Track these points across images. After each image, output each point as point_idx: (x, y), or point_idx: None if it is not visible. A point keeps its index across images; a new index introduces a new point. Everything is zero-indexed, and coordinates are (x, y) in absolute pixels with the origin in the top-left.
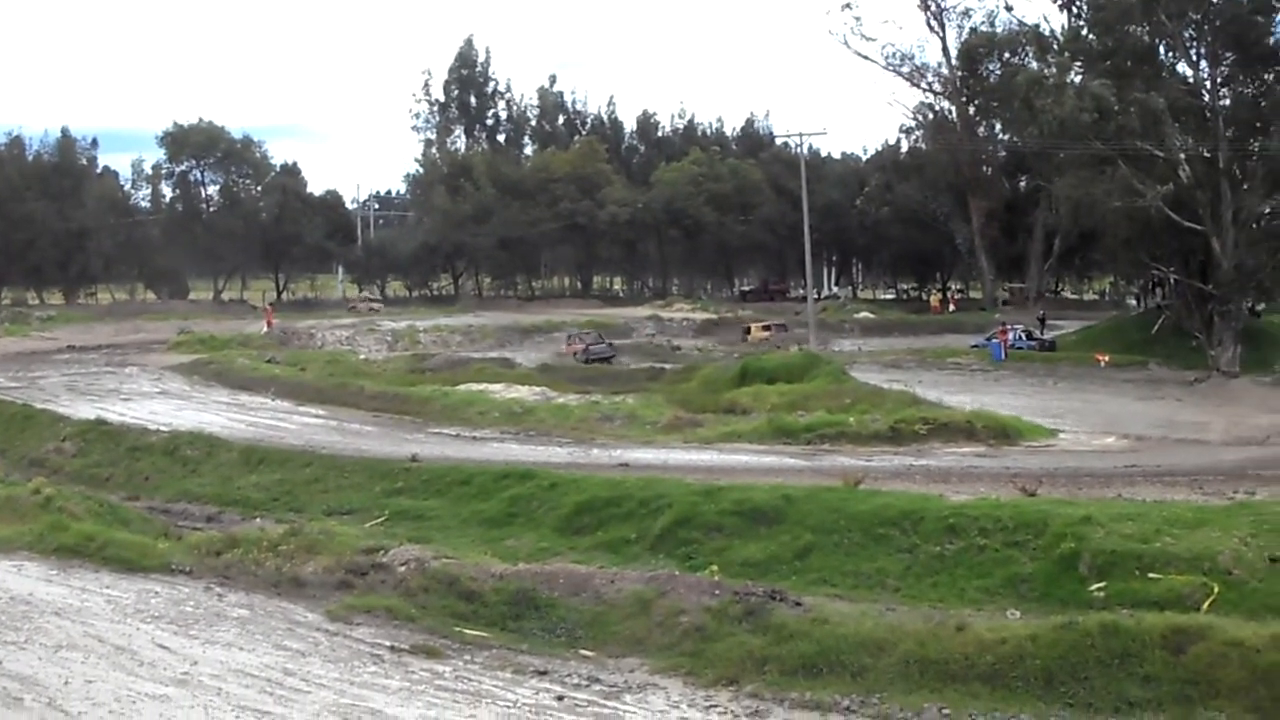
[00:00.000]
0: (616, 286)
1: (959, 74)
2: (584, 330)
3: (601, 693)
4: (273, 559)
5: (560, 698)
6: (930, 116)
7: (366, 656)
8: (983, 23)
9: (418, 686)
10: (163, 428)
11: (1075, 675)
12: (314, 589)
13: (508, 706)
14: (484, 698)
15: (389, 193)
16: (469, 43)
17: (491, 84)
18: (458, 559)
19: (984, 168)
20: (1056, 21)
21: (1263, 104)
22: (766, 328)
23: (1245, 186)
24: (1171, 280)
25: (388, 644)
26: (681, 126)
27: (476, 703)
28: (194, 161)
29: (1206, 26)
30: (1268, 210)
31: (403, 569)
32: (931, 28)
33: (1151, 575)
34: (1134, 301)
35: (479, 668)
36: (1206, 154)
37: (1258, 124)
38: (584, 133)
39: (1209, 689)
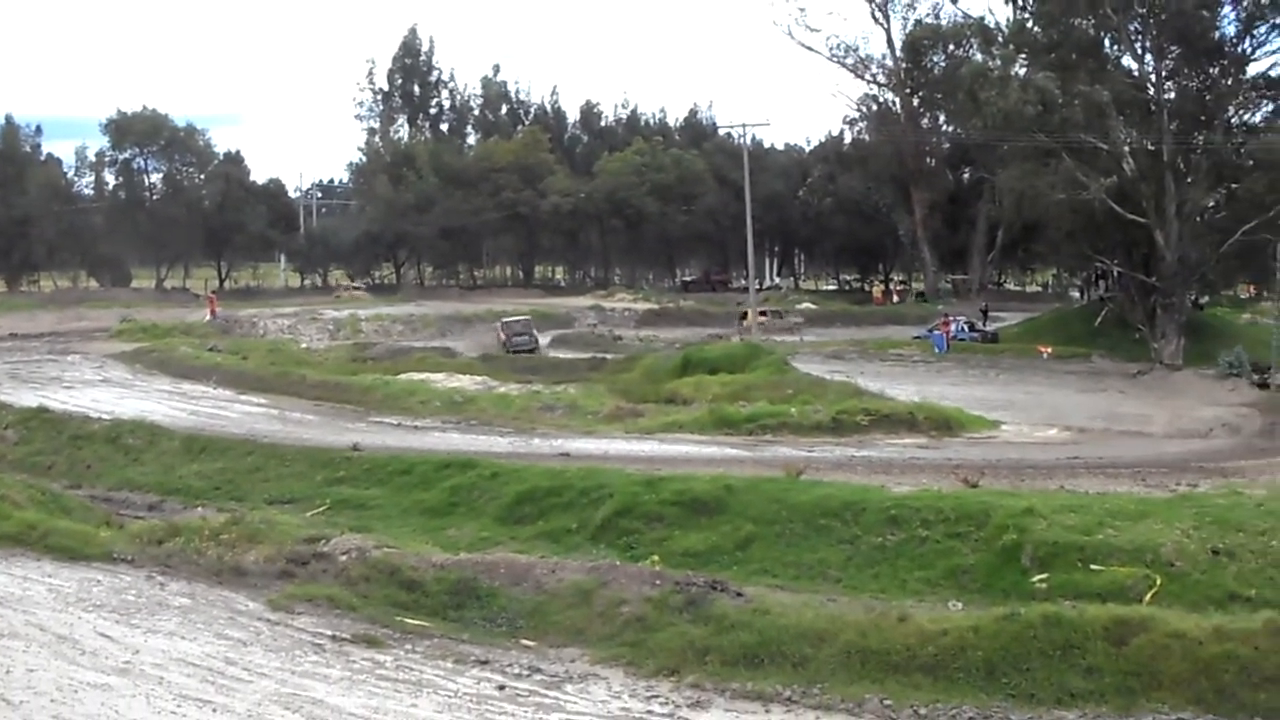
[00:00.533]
0: (558, 276)
1: (903, 66)
2: (516, 318)
3: (543, 682)
4: (214, 548)
5: (501, 687)
6: (874, 108)
7: (308, 646)
8: (927, 15)
9: (359, 676)
10: (105, 416)
11: (1017, 666)
12: (255, 578)
13: (449, 696)
14: (425, 687)
15: (332, 182)
16: (413, 32)
17: (435, 73)
18: (399, 548)
19: (927, 159)
20: (1001, 14)
21: (1207, 97)
22: (763, 314)
23: (1189, 180)
24: (1115, 273)
25: (329, 633)
26: (625, 116)
27: (418, 692)
28: (137, 149)
29: (1151, 20)
30: (1211, 203)
31: (344, 558)
32: (876, 19)
33: (1094, 567)
34: (1077, 294)
35: (420, 657)
36: (1151, 147)
37: (1202, 117)
38: (527, 122)
39: (1151, 680)
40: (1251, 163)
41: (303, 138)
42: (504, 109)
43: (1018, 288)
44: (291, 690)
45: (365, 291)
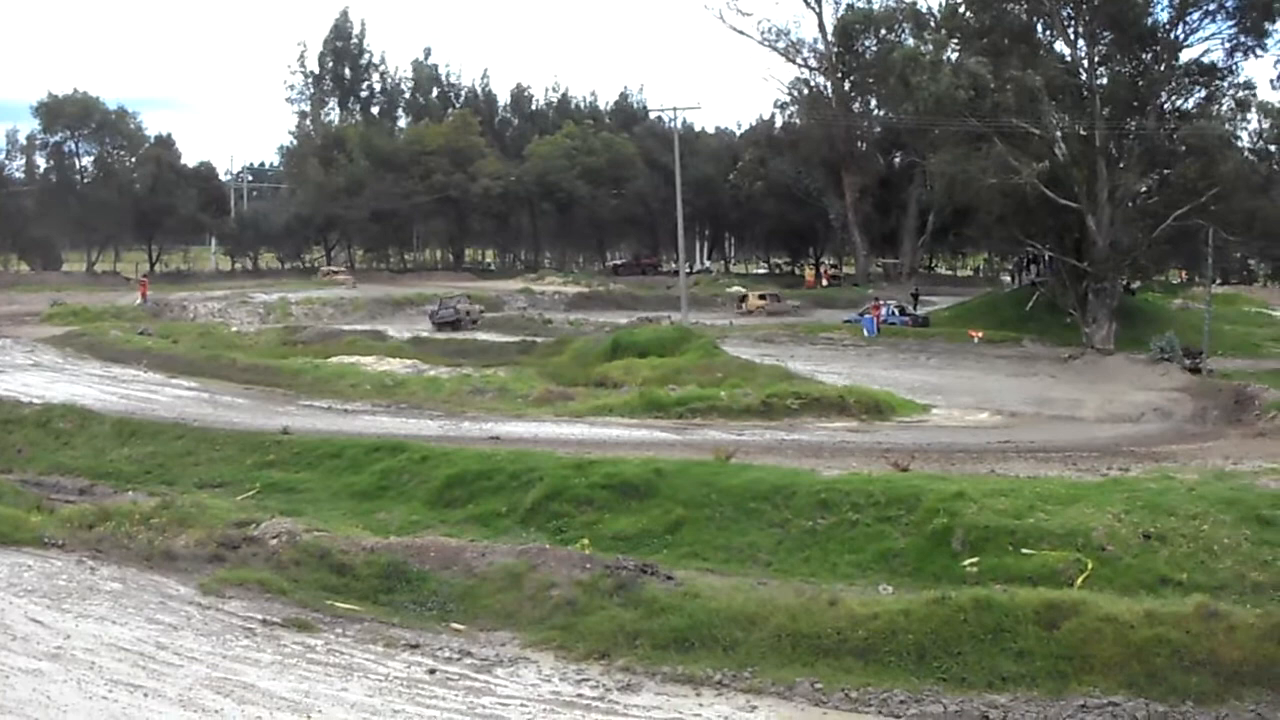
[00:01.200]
0: (489, 259)
1: (835, 50)
2: (450, 298)
3: (473, 666)
4: (145, 532)
5: (432, 671)
6: (805, 92)
7: (239, 630)
8: None
9: (290, 660)
10: (35, 400)
11: (948, 650)
12: (186, 562)
13: (380, 680)
14: (356, 671)
15: (262, 165)
16: (344, 15)
17: (366, 56)
18: (329, 532)
19: (859, 143)
20: None
21: (1140, 83)
22: (762, 297)
23: (1121, 165)
24: (1046, 257)
25: (260, 617)
26: (555, 100)
27: (349, 676)
28: (68, 132)
29: (1084, 5)
30: (1144, 189)
31: (274, 542)
32: (808, 3)
33: (1025, 551)
34: (1008, 278)
35: (351, 641)
36: (1083, 132)
37: (1135, 103)
38: (457, 106)
39: (1083, 664)
40: (1184, 149)
41: (234, 121)
42: (434, 92)
43: (949, 272)
44: (223, 675)
45: (349, 273)
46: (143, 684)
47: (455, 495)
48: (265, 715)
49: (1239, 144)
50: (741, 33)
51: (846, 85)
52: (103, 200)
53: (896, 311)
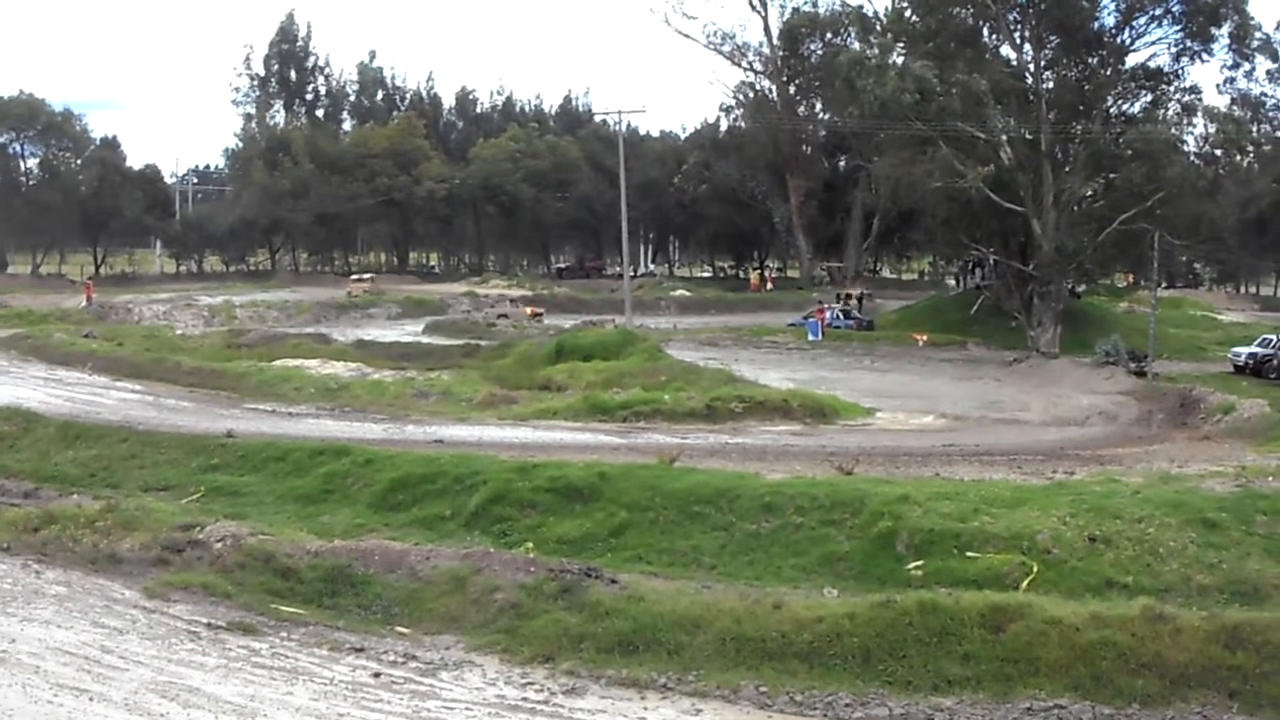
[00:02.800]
0: (433, 262)
1: (780, 53)
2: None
3: (418, 670)
4: (90, 535)
5: (377, 675)
6: (751, 95)
7: (184, 634)
8: (805, 3)
9: (235, 664)
10: None
11: (893, 653)
12: (131, 566)
13: (325, 684)
14: (301, 675)
15: (208, 167)
16: (290, 18)
17: (312, 59)
18: (274, 535)
19: (803, 147)
20: (880, 3)
21: (1086, 87)
22: (849, 296)
23: (1067, 169)
24: (991, 261)
25: (205, 621)
26: (500, 103)
27: (294, 680)
28: (13, 134)
29: (1030, 9)
30: (1089, 193)
31: (219, 546)
32: (754, 7)
33: (970, 554)
34: (953, 282)
35: (295, 645)
36: (1029, 136)
37: (1080, 107)
38: (402, 109)
39: (1028, 667)
40: (1130, 153)
41: (180, 123)
42: (379, 95)
43: (894, 275)
44: (168, 679)
45: (372, 279)
46: (88, 688)
47: (399, 499)
48: (210, 719)
49: (1185, 148)
50: (687, 36)
51: (792, 89)
52: (48, 202)
53: (841, 315)
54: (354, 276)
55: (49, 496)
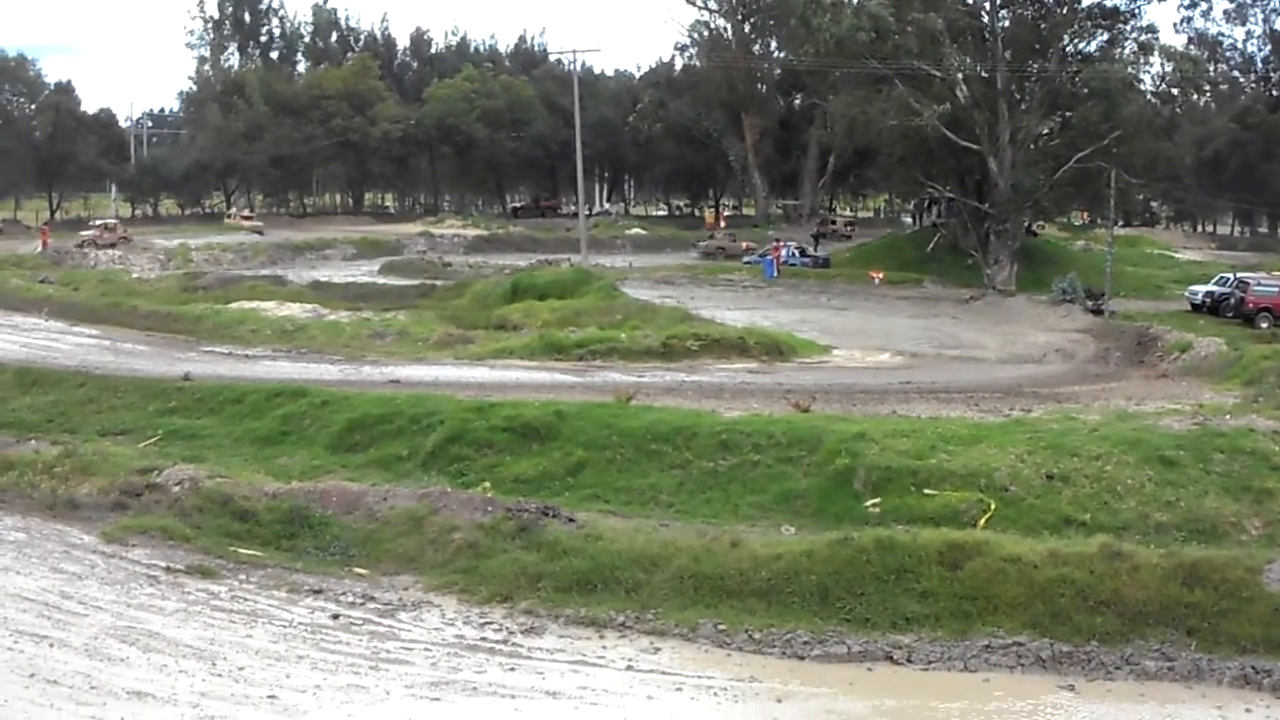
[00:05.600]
0: (388, 203)
1: None
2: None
3: (377, 610)
4: (48, 481)
5: (336, 616)
6: (705, 34)
7: (143, 578)
8: None
9: (194, 607)
10: None
11: (851, 591)
12: (89, 511)
13: (284, 626)
14: (260, 617)
15: (163, 111)
16: None
17: (265, 1)
18: (231, 478)
19: (759, 85)
20: None
21: (1042, 26)
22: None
23: (1023, 107)
24: (947, 199)
25: (163, 565)
26: (454, 43)
27: (253, 623)
28: None
29: None
30: (1045, 131)
31: (177, 489)
32: None
33: (927, 491)
34: (909, 220)
35: (254, 587)
36: (985, 75)
37: (1036, 45)
38: (357, 50)
39: (987, 604)
40: (1086, 91)
41: (134, 67)
42: (334, 36)
43: (849, 213)
44: (128, 623)
45: (255, 219)
46: (48, 634)
47: (356, 440)
48: (171, 663)
49: (1141, 88)
50: None
51: (747, 27)
52: (2, 148)
53: (797, 253)
54: (242, 215)
55: (6, 443)
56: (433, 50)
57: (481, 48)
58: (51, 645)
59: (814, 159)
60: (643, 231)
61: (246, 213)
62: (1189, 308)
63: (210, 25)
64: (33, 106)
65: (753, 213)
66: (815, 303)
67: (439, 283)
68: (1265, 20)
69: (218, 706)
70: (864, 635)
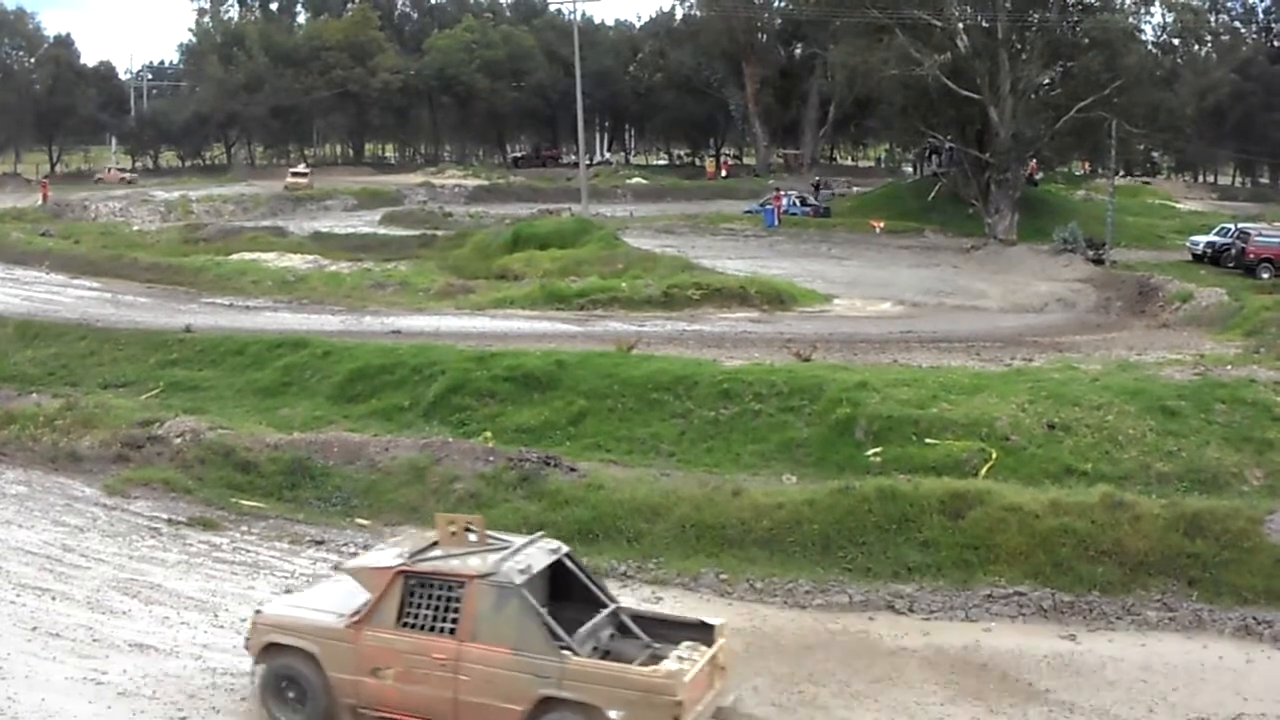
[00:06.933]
0: (389, 154)
1: None
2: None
3: None
4: (49, 434)
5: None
6: None
7: (145, 530)
8: None
9: (196, 559)
10: None
11: (853, 540)
12: (91, 463)
13: (286, 577)
14: (262, 569)
15: (163, 63)
16: None
17: None
18: (233, 429)
19: (759, 34)
20: None
21: None
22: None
23: (1024, 57)
24: (948, 148)
25: (165, 517)
26: None
27: (255, 574)
28: None
29: None
30: (1046, 81)
31: (179, 441)
32: None
33: (929, 441)
34: (910, 169)
35: (256, 538)
36: (985, 24)
37: None
38: (356, 1)
39: (988, 554)
40: (1087, 41)
41: (134, 19)
42: None
43: (850, 163)
44: (130, 575)
45: (132, 173)
46: (50, 587)
47: (358, 390)
48: (173, 615)
49: (1142, 37)
50: None
51: None
52: (2, 102)
53: (798, 202)
54: (292, 170)
55: (8, 396)
56: (432, 1)
57: None
58: (53, 598)
59: (814, 108)
60: (644, 181)
61: (301, 168)
62: (1190, 258)
63: None
64: (32, 60)
65: (753, 162)
66: (816, 252)
67: (440, 233)
68: None
69: (220, 658)
70: (866, 585)
